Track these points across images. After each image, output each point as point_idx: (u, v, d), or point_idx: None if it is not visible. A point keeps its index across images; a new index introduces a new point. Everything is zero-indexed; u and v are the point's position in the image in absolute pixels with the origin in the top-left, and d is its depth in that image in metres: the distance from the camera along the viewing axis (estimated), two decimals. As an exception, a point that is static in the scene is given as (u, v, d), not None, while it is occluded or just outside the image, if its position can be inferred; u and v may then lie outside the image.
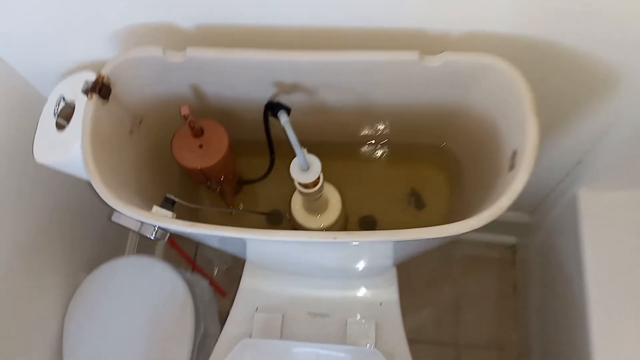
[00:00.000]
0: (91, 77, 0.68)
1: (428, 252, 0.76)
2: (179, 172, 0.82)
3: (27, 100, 0.82)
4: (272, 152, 0.82)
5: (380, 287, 0.85)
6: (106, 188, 0.59)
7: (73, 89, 0.73)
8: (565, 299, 0.94)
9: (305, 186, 0.67)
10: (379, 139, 0.86)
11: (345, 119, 0.79)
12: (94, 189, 0.61)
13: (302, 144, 0.64)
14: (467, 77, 0.66)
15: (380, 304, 0.84)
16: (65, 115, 0.73)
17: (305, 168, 0.64)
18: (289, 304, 0.85)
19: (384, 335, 0.82)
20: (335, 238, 0.55)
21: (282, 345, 0.79)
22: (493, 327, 1.26)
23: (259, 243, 0.67)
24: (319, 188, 0.67)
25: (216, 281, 1.29)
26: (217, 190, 0.77)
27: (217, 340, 0.87)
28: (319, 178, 0.66)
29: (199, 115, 0.75)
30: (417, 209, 0.87)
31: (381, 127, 0.82)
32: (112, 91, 0.67)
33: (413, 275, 1.30)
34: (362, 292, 0.85)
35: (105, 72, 0.66)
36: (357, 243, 0.59)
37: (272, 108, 0.68)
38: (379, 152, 0.88)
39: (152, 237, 0.60)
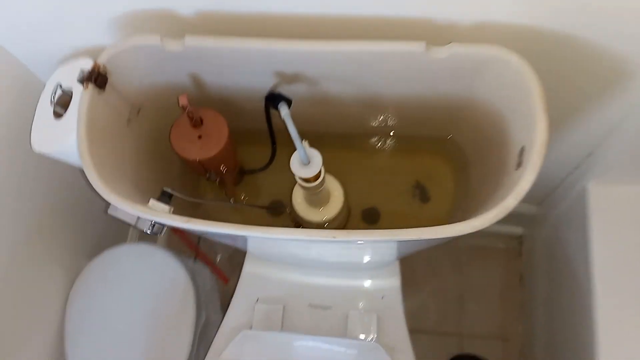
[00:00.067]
0: (88, 64, 0.66)
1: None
2: (179, 163, 0.81)
3: (29, 88, 0.81)
4: (273, 143, 0.81)
5: (383, 280, 0.84)
6: (101, 181, 0.58)
7: (70, 76, 0.71)
8: (571, 292, 0.93)
9: (306, 180, 0.65)
10: (383, 130, 0.84)
11: (349, 110, 0.77)
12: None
13: (304, 134, 0.62)
14: (475, 70, 0.63)
15: (382, 297, 0.83)
16: (63, 102, 0.72)
17: (305, 162, 0.63)
18: (290, 295, 0.84)
19: (385, 328, 0.81)
20: (334, 237, 0.53)
21: (282, 338, 0.78)
22: (497, 318, 1.25)
23: (258, 238, 0.66)
24: (320, 182, 0.66)
25: (219, 268, 1.28)
26: (217, 181, 0.76)
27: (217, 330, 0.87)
28: (319, 172, 0.64)
29: (198, 105, 0.73)
30: (421, 202, 0.85)
31: (385, 118, 0.80)
32: (109, 80, 0.65)
33: (418, 265, 1.29)
34: (364, 284, 0.84)
35: (101, 61, 0.64)
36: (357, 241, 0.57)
37: (273, 99, 0.66)
38: (384, 143, 0.86)
39: (148, 232, 0.59)
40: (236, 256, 1.31)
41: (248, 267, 0.86)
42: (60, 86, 0.71)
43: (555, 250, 1.07)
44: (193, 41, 0.64)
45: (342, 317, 0.82)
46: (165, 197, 0.60)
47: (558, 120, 0.80)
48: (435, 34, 0.65)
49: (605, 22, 0.59)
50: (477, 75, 0.64)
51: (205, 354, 0.83)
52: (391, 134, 0.85)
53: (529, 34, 0.63)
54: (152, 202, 0.58)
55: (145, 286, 0.95)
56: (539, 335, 1.13)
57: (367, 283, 0.84)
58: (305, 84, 0.71)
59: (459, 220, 0.73)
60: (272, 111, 0.72)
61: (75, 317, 0.94)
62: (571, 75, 0.69)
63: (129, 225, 0.63)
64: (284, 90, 0.71)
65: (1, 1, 0.66)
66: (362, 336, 0.80)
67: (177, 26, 0.69)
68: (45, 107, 0.72)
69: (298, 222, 0.79)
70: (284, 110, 0.61)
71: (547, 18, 0.61)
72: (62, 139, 0.68)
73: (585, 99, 0.74)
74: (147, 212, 0.57)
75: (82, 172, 0.61)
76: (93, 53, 0.68)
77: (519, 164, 0.57)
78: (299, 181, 0.66)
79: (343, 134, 0.84)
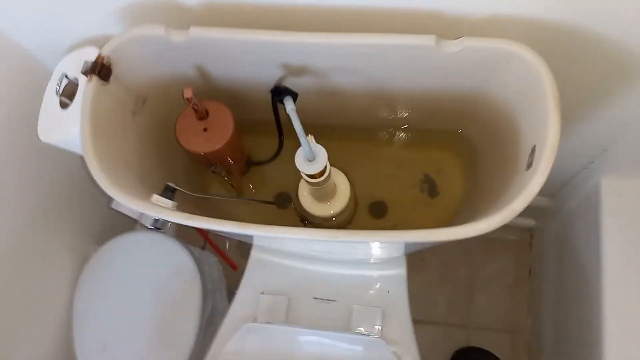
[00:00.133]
0: (93, 54, 0.65)
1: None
2: (185, 155, 0.80)
3: (36, 77, 0.80)
4: (280, 135, 0.79)
5: (389, 275, 0.83)
6: (104, 175, 0.58)
7: (76, 66, 0.71)
8: (581, 287, 0.92)
9: (311, 176, 0.64)
10: (392, 123, 0.83)
11: (357, 103, 0.75)
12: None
13: (312, 126, 0.61)
14: (487, 65, 0.61)
15: (388, 291, 0.82)
16: (69, 92, 0.71)
17: (310, 158, 0.62)
18: (295, 288, 0.84)
19: (390, 323, 0.80)
20: (336, 237, 0.52)
21: (285, 332, 0.78)
22: (506, 311, 1.24)
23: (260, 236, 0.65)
24: (325, 178, 0.65)
25: (228, 254, 1.29)
26: (223, 174, 0.75)
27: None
28: (325, 168, 0.63)
29: (204, 96, 0.72)
30: (430, 196, 0.84)
31: (394, 110, 0.78)
32: (113, 72, 0.64)
33: (426, 254, 1.28)
34: (370, 279, 0.83)
35: (105, 52, 0.63)
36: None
37: (278, 93, 0.65)
38: (392, 136, 0.85)
39: (152, 227, 0.58)
40: (245, 243, 1.32)
41: (254, 259, 0.86)
42: (66, 76, 0.71)
43: (566, 244, 1.06)
44: (198, 32, 0.63)
45: (346, 311, 0.81)
46: (168, 192, 0.59)
47: (573, 114, 0.78)
48: (446, 26, 0.63)
49: (623, 16, 0.57)
50: (489, 70, 0.62)
51: (212, 342, 0.84)
52: (400, 126, 0.83)
53: (545, 27, 0.60)
54: (155, 198, 0.58)
55: (152, 274, 0.95)
56: (547, 329, 1.12)
57: (373, 277, 0.83)
58: (312, 76, 0.69)
59: (467, 217, 0.72)
60: (279, 104, 0.71)
61: (82, 303, 0.95)
62: (587, 69, 0.67)
63: (133, 219, 0.62)
64: (291, 82, 0.70)
65: (5, -11, 0.66)
66: (366, 331, 0.79)
67: (183, 16, 0.68)
68: (51, 97, 0.72)
69: (304, 217, 0.79)
70: (289, 105, 0.60)
71: (564, 11, 0.58)
72: (67, 129, 0.68)
73: (601, 94, 0.72)
74: (147, 208, 0.56)
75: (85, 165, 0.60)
76: (100, 42, 0.67)
77: (530, 164, 0.55)
78: (304, 177, 0.65)
79: (351, 126, 0.83)
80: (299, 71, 0.68)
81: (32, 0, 0.68)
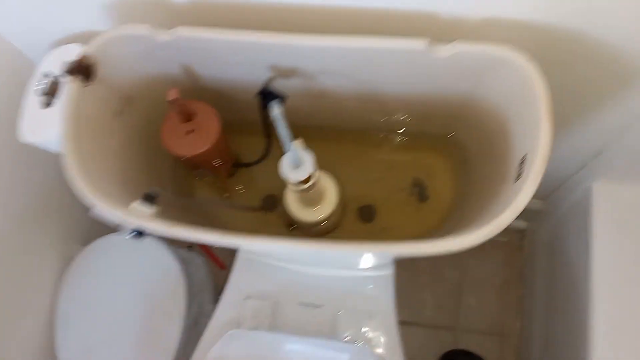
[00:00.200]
0: (77, 51, 0.63)
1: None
2: (171, 157, 0.79)
3: (23, 72, 0.78)
4: (268, 137, 0.78)
5: (376, 279, 0.82)
6: (83, 181, 0.56)
7: (60, 64, 0.69)
8: (570, 291, 0.92)
9: (297, 182, 0.62)
10: (382, 126, 0.81)
11: (347, 105, 0.74)
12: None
13: (301, 127, 0.59)
14: (480, 70, 0.60)
15: (375, 297, 0.81)
16: (53, 90, 0.69)
17: (296, 165, 0.60)
18: (281, 292, 0.82)
19: (376, 329, 0.79)
20: (321, 248, 0.51)
21: (270, 339, 0.77)
22: (495, 313, 1.23)
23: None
24: (311, 185, 0.63)
25: (216, 253, 1.27)
26: (207, 178, 0.74)
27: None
28: (311, 175, 0.61)
29: (191, 96, 0.70)
30: (419, 200, 0.83)
31: (385, 113, 0.77)
32: (96, 72, 0.62)
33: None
34: (356, 283, 0.82)
35: (89, 51, 0.62)
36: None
37: (265, 97, 0.63)
38: (383, 139, 0.83)
39: (131, 236, 0.57)
40: (233, 242, 1.30)
41: (239, 263, 0.84)
42: (49, 74, 0.69)
43: (557, 248, 1.05)
44: (184, 32, 0.61)
45: (332, 317, 0.80)
46: (148, 199, 0.58)
47: (567, 119, 0.77)
48: (440, 29, 0.61)
49: (618, 21, 0.56)
50: (481, 75, 0.61)
51: (197, 345, 0.82)
52: (391, 129, 0.82)
53: (540, 31, 0.60)
54: (135, 205, 0.56)
55: (136, 275, 0.94)
56: (536, 333, 1.12)
57: (360, 281, 0.82)
58: (302, 78, 0.68)
59: (456, 224, 0.71)
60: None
61: (66, 304, 0.94)
62: (582, 74, 0.66)
63: (114, 226, 0.61)
64: (280, 83, 0.68)
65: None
66: (352, 337, 0.78)
67: (171, 14, 0.66)
68: (33, 96, 0.70)
69: (290, 221, 0.77)
70: (274, 111, 0.58)
71: (560, 15, 0.58)
72: (48, 129, 0.66)
73: (596, 99, 0.71)
74: (125, 216, 0.54)
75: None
76: (87, 38, 0.65)
77: (519, 176, 0.54)
78: (290, 184, 0.63)
79: (341, 128, 0.81)
80: (288, 73, 0.66)
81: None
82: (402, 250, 0.51)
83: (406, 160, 0.84)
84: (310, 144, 0.67)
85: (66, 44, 0.72)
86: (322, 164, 0.77)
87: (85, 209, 1.03)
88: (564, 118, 0.77)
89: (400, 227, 0.83)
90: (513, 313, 1.23)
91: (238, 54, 0.64)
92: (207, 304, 1.01)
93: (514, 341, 1.21)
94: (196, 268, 1.00)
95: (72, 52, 0.71)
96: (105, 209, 0.54)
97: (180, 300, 0.92)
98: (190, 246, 1.20)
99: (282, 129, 0.58)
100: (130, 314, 0.92)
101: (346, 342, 0.77)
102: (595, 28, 0.58)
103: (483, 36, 0.60)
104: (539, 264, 1.16)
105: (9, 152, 0.81)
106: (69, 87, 0.60)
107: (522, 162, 0.55)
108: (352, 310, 0.80)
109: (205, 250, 1.25)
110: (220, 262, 1.25)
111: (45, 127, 0.68)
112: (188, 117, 0.68)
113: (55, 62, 0.70)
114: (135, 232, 0.56)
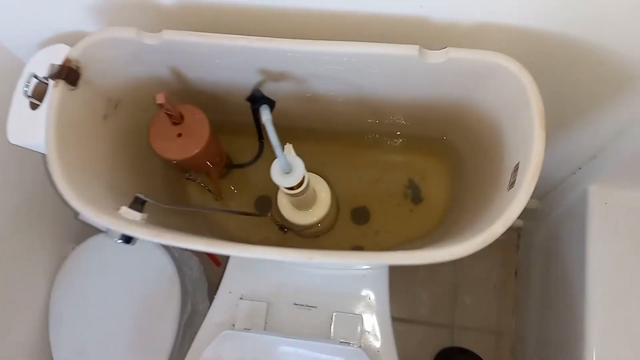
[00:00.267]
0: (63, 51, 0.62)
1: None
2: (161, 160, 0.78)
3: (14, 73, 0.77)
4: (261, 138, 0.77)
5: (371, 281, 0.81)
6: (69, 186, 0.55)
7: (46, 64, 0.68)
8: (565, 292, 0.92)
9: (289, 187, 0.62)
10: (376, 128, 0.80)
11: (339, 108, 0.73)
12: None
13: (294, 130, 0.58)
14: (473, 76, 0.59)
15: (369, 298, 0.81)
16: (40, 92, 0.68)
17: (287, 171, 0.59)
18: (275, 293, 0.82)
19: (370, 331, 0.79)
20: (310, 258, 0.50)
21: (264, 340, 0.77)
22: (491, 312, 1.23)
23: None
24: (303, 189, 0.63)
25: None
26: (198, 181, 0.73)
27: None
28: (302, 180, 0.61)
29: (180, 98, 0.69)
30: (413, 202, 0.82)
31: (378, 117, 0.76)
32: (82, 75, 0.61)
33: (413, 253, 1.27)
34: (351, 285, 0.82)
35: (74, 54, 0.60)
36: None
37: (255, 101, 0.62)
38: (377, 141, 0.82)
39: (119, 241, 0.56)
40: (229, 239, 1.30)
41: (233, 262, 0.84)
42: (36, 76, 0.68)
43: (553, 248, 1.05)
44: (171, 35, 0.60)
45: (326, 318, 0.79)
46: (137, 204, 0.57)
47: (562, 122, 0.77)
48: (433, 34, 0.60)
49: (612, 25, 0.55)
50: (474, 82, 0.60)
51: (191, 344, 0.82)
52: (384, 131, 0.81)
53: (534, 36, 0.58)
54: (123, 210, 0.56)
55: (129, 274, 0.93)
56: (530, 332, 1.12)
57: (354, 284, 0.82)
58: (292, 82, 0.66)
59: (450, 228, 0.71)
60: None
61: (59, 303, 0.93)
62: (577, 78, 0.65)
63: (102, 231, 0.60)
64: (271, 87, 0.67)
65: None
66: (346, 339, 0.78)
67: (158, 15, 0.65)
68: (20, 98, 0.69)
69: (283, 225, 0.77)
70: (264, 116, 0.57)
71: (553, 20, 0.56)
72: (36, 132, 0.65)
73: (591, 102, 0.70)
74: (113, 222, 0.54)
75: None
76: (76, 37, 0.64)
77: (512, 184, 0.53)
78: (282, 188, 0.62)
79: (334, 130, 0.80)
80: (278, 77, 0.65)
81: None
82: (392, 260, 0.51)
83: (400, 162, 0.83)
84: (302, 145, 0.66)
85: (55, 43, 0.71)
86: (315, 166, 0.76)
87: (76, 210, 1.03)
88: (559, 122, 0.76)
89: (393, 230, 0.82)
90: (509, 311, 1.23)
91: (226, 58, 0.62)
92: (202, 303, 1.01)
93: (510, 339, 1.21)
94: (191, 268, 0.99)
95: (60, 53, 0.69)
96: (91, 216, 0.53)
97: (175, 299, 0.91)
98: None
99: (272, 135, 0.57)
100: (124, 313, 0.92)
101: (341, 344, 0.76)
102: (590, 34, 0.57)
103: (476, 41, 0.59)
104: (535, 263, 1.15)
105: (0, 151, 0.80)
106: (54, 91, 0.59)
107: (516, 169, 0.54)
108: (347, 311, 0.80)
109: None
110: (215, 259, 1.25)
111: (32, 129, 0.67)
112: (177, 120, 0.67)
113: (43, 62, 0.69)
114: (123, 238, 0.56)
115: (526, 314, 1.16)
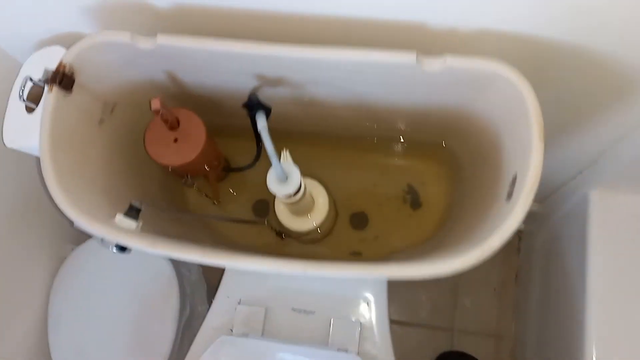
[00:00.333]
0: (59, 54, 0.62)
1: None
2: (158, 166, 0.77)
3: (11, 74, 0.77)
4: (259, 142, 0.76)
5: (370, 286, 0.81)
6: (63, 194, 0.55)
7: (42, 67, 0.67)
8: (565, 296, 0.92)
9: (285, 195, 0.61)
10: (374, 133, 0.79)
11: (337, 113, 0.72)
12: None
13: (292, 133, 0.57)
14: (471, 84, 0.58)
15: (368, 304, 0.80)
16: (36, 95, 0.68)
17: (283, 179, 0.58)
18: (273, 297, 0.82)
19: (368, 337, 0.78)
20: (305, 270, 0.50)
21: (262, 346, 0.76)
22: (491, 315, 1.22)
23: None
24: (300, 197, 0.62)
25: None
26: (195, 186, 0.72)
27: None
28: (299, 188, 0.60)
29: (177, 102, 0.69)
30: (412, 208, 0.81)
31: (377, 122, 0.75)
32: (77, 80, 0.60)
33: (413, 254, 1.26)
34: (349, 291, 0.81)
35: (67, 60, 0.60)
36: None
37: (251, 108, 0.61)
38: (375, 146, 0.81)
39: (114, 250, 0.55)
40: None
41: (230, 269, 0.84)
42: (30, 79, 0.67)
43: (553, 251, 1.04)
44: (166, 40, 0.59)
45: (325, 323, 0.79)
46: (132, 212, 0.56)
47: (562, 128, 0.76)
48: (431, 40, 0.59)
49: (613, 31, 0.54)
50: (472, 89, 0.59)
51: (190, 346, 0.82)
52: (383, 136, 0.80)
53: (533, 43, 0.57)
54: (118, 219, 0.55)
55: (128, 276, 0.93)
56: (530, 336, 1.11)
57: (353, 290, 0.81)
58: (289, 87, 0.66)
59: (448, 235, 0.70)
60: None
61: (58, 304, 0.93)
62: (578, 83, 0.64)
63: (98, 239, 0.59)
64: (268, 92, 0.67)
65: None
66: (344, 345, 0.77)
67: (155, 17, 0.64)
68: (16, 101, 0.68)
69: (280, 231, 0.76)
70: (260, 123, 0.57)
71: (553, 27, 0.55)
72: (32, 135, 0.65)
73: (592, 108, 0.69)
74: (107, 232, 0.53)
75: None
76: (72, 39, 0.63)
77: (510, 195, 0.53)
78: (278, 196, 0.62)
79: (332, 134, 0.79)
80: (275, 82, 0.64)
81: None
82: (390, 272, 0.50)
83: (399, 166, 0.82)
84: (300, 149, 0.65)
85: (51, 44, 0.70)
86: (314, 171, 0.75)
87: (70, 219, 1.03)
88: (559, 127, 0.75)
89: (392, 235, 0.81)
90: (509, 315, 1.22)
91: (222, 63, 0.62)
92: (200, 304, 1.01)
93: (510, 343, 1.21)
94: (189, 268, 0.99)
95: (55, 54, 0.69)
96: (85, 225, 0.52)
97: (173, 301, 0.91)
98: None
99: (268, 144, 0.56)
100: (122, 315, 0.92)
101: (338, 350, 0.76)
102: (590, 40, 0.56)
103: (475, 48, 0.58)
104: (536, 266, 1.15)
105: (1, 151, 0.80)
106: (47, 97, 0.58)
107: (514, 181, 0.53)
108: (345, 316, 0.79)
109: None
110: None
111: (28, 133, 0.67)
112: (173, 125, 0.66)
113: (39, 64, 0.69)
114: (118, 247, 0.55)
115: (526, 317, 1.15)
